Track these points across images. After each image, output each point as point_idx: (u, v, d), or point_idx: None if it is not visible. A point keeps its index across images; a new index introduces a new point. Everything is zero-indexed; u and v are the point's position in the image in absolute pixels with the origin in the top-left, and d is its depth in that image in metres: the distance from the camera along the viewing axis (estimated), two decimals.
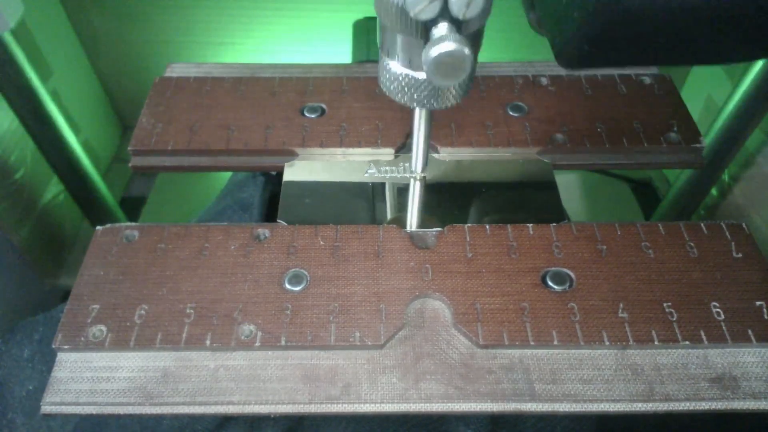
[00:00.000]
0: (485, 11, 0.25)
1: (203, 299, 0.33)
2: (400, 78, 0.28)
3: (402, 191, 0.40)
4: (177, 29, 0.93)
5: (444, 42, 0.23)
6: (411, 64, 0.27)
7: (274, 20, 0.91)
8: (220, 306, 0.32)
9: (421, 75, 0.28)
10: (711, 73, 0.83)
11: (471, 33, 0.25)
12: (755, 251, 0.35)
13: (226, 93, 0.45)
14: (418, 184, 0.37)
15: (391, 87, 0.29)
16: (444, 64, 0.24)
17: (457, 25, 0.25)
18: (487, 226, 0.36)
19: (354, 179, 0.41)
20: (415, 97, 0.29)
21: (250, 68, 0.48)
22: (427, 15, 0.24)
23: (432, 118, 0.34)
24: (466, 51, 0.24)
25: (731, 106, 0.67)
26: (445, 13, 0.24)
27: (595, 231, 0.36)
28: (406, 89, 0.28)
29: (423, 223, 0.38)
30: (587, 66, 0.25)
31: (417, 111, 0.33)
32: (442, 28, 0.24)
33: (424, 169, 0.36)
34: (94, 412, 0.30)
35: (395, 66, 0.28)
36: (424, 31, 0.25)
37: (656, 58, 0.25)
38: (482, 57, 0.32)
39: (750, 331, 0.31)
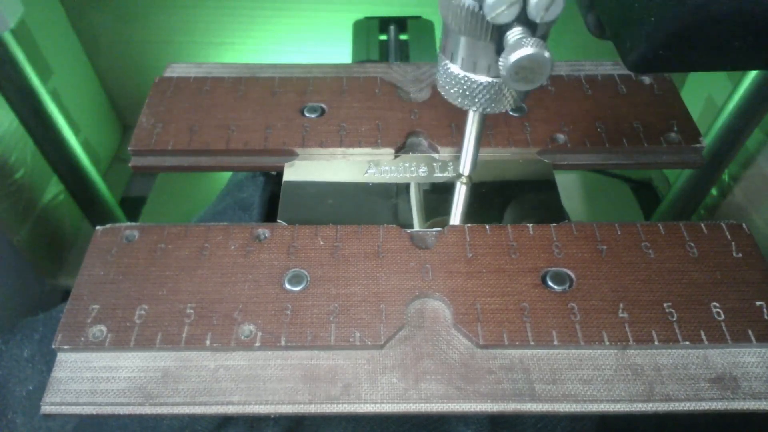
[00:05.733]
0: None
1: (203, 299, 0.33)
2: (462, 82, 0.28)
3: (402, 191, 0.40)
4: (177, 29, 0.93)
5: (523, 47, 0.23)
6: (475, 67, 0.27)
7: (274, 20, 0.91)
8: (220, 306, 0.32)
9: (484, 79, 0.27)
10: (711, 73, 0.83)
11: (542, 36, 0.25)
12: (755, 251, 0.35)
13: (226, 93, 0.45)
14: (463, 187, 0.37)
15: (451, 91, 0.29)
16: (524, 68, 0.24)
17: (532, 28, 0.24)
18: (487, 226, 0.36)
19: (354, 179, 0.41)
20: (476, 100, 0.29)
21: (250, 68, 0.48)
22: (504, 19, 0.24)
23: (485, 121, 0.34)
24: (546, 54, 0.23)
25: (731, 106, 0.67)
26: (520, 17, 0.24)
27: (595, 231, 0.36)
28: (467, 93, 0.28)
29: (470, 220, 0.38)
30: (659, 70, 0.25)
31: (471, 113, 0.33)
32: (516, 32, 0.24)
33: (472, 171, 0.36)
34: (94, 413, 0.30)
35: (457, 69, 0.28)
36: (496, 34, 0.25)
37: (735, 62, 0.24)
38: None
39: (750, 331, 0.31)
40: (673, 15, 0.22)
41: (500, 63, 0.24)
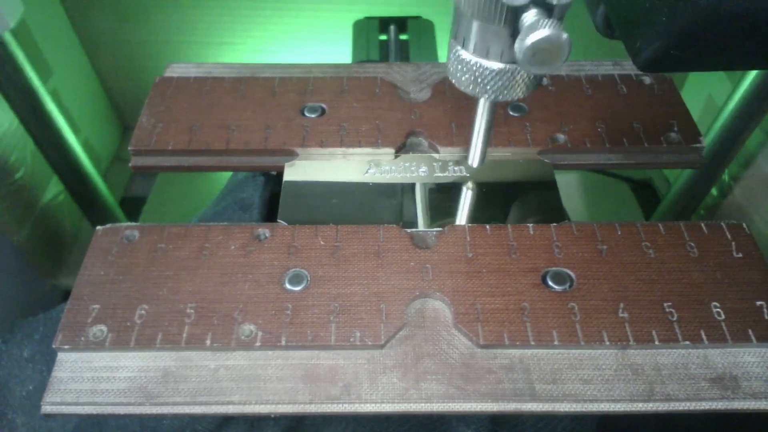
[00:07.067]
0: None
1: (203, 299, 0.33)
2: (474, 68, 0.27)
3: (402, 191, 0.40)
4: (177, 29, 0.93)
5: (540, 28, 0.23)
6: (488, 53, 0.27)
7: (274, 20, 0.91)
8: (220, 306, 0.32)
9: (497, 65, 0.27)
10: (711, 72, 0.83)
11: (558, 18, 0.24)
12: (755, 251, 0.35)
13: (226, 93, 0.45)
14: (469, 192, 0.37)
15: (462, 78, 0.28)
16: (541, 50, 0.23)
17: (548, 10, 0.24)
18: (488, 226, 0.36)
19: (354, 179, 0.41)
20: (488, 87, 0.28)
21: (250, 68, 0.48)
22: (520, 0, 0.23)
23: (495, 110, 0.33)
24: (564, 36, 0.23)
25: (731, 106, 0.67)
26: None
27: (595, 231, 0.36)
28: (479, 80, 0.28)
29: (470, 220, 0.38)
30: (670, 70, 0.25)
31: (482, 102, 0.32)
32: (532, 14, 0.23)
33: (481, 163, 0.35)
34: (94, 412, 0.30)
35: (468, 56, 0.27)
36: (511, 18, 0.25)
37: (747, 61, 0.24)
38: None
39: (750, 331, 0.31)
40: (685, 14, 0.21)
41: (516, 46, 0.24)
